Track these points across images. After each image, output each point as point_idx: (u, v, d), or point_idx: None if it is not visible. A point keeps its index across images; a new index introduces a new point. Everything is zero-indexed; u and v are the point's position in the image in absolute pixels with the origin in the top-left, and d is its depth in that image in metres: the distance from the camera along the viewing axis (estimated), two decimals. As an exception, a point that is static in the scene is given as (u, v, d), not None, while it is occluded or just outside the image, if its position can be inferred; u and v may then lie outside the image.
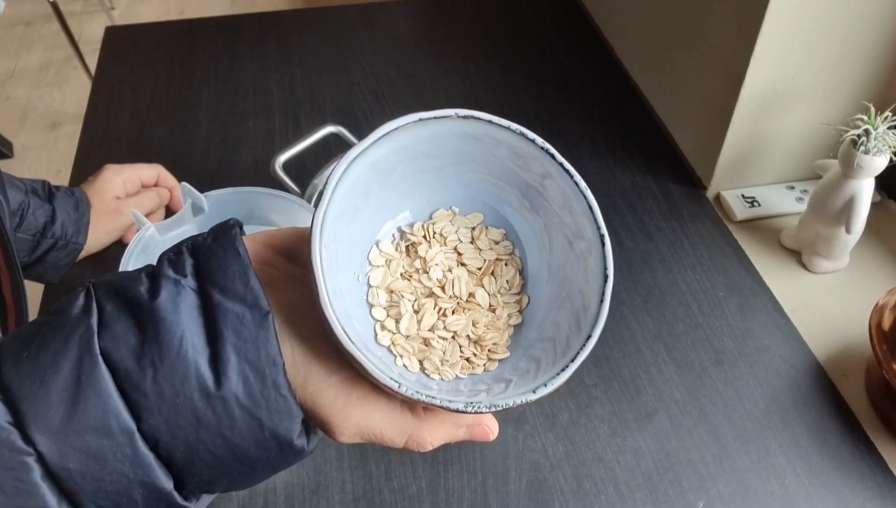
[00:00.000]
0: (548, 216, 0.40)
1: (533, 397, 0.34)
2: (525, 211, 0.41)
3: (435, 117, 0.39)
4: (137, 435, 0.30)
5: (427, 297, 0.39)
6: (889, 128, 0.71)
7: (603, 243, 0.37)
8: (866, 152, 0.71)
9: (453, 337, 0.38)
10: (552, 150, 0.39)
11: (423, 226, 0.41)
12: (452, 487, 0.63)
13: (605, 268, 0.37)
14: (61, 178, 2.12)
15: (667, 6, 0.94)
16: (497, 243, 0.41)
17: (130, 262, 0.54)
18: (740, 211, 0.86)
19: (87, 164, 0.93)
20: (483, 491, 0.62)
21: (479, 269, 0.40)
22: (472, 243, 0.41)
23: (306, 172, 0.71)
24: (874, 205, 0.84)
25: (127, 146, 0.95)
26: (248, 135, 0.96)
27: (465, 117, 0.39)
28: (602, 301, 0.36)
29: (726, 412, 0.68)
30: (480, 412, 0.33)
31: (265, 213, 0.59)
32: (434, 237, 0.40)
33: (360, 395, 0.34)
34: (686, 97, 0.92)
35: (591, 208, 0.38)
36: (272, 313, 0.32)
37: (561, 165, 0.39)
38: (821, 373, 0.71)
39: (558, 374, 0.34)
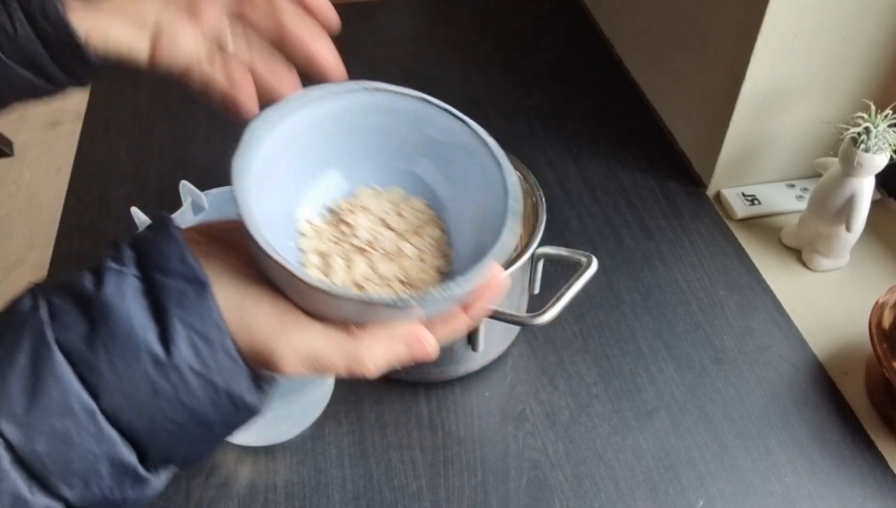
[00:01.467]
0: (462, 174, 0.42)
1: (457, 290, 0.34)
2: (440, 173, 0.43)
3: (346, 91, 0.41)
4: (99, 413, 0.32)
5: (357, 254, 0.40)
6: (889, 126, 0.71)
7: (501, 167, 0.39)
8: (866, 151, 0.71)
9: (387, 285, 0.40)
10: (452, 109, 0.41)
11: (348, 202, 0.42)
12: (452, 485, 0.63)
13: (505, 182, 0.39)
14: (61, 177, 2.12)
15: (667, 5, 0.94)
16: (420, 211, 0.43)
17: None
18: (740, 209, 0.86)
19: (88, 162, 0.93)
20: (483, 490, 0.62)
21: (406, 231, 0.42)
22: (397, 214, 0.42)
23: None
24: (874, 203, 0.83)
25: (127, 145, 0.95)
26: (249, 133, 0.96)
27: (368, 89, 0.41)
28: (506, 208, 0.38)
29: (726, 411, 0.68)
30: (410, 306, 0.34)
31: None
32: (360, 209, 0.42)
33: (295, 321, 0.36)
34: (686, 96, 0.92)
35: (487, 145, 0.40)
36: (210, 283, 0.34)
37: (458, 118, 0.41)
38: (821, 371, 0.71)
39: (479, 267, 0.35)
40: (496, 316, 0.62)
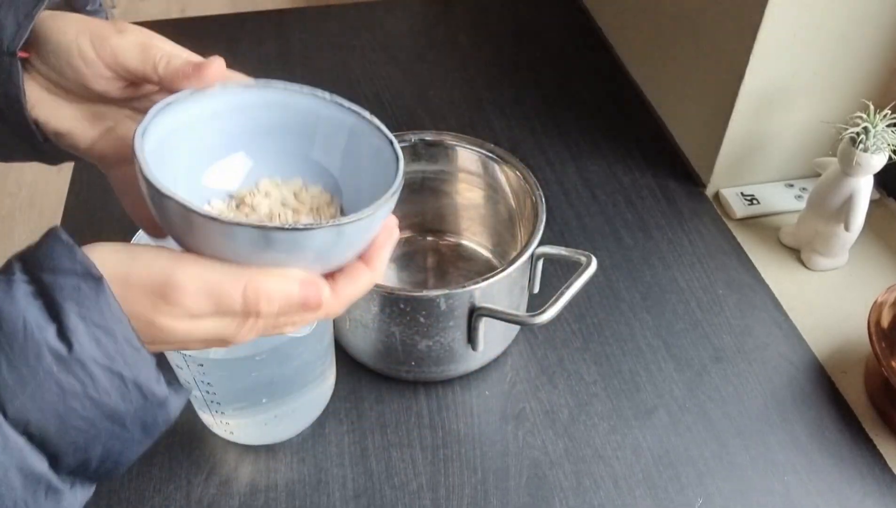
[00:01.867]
0: (356, 157, 0.46)
1: (345, 221, 0.36)
2: (335, 160, 0.46)
3: (242, 88, 0.44)
4: (5, 423, 0.32)
5: None
6: (888, 126, 0.71)
7: (391, 142, 0.44)
8: (865, 150, 0.71)
9: None
10: (340, 99, 0.45)
11: (249, 190, 0.44)
12: (453, 484, 0.63)
13: (396, 154, 0.44)
14: (62, 176, 2.12)
15: (667, 4, 0.94)
16: (318, 196, 0.45)
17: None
18: (740, 209, 0.86)
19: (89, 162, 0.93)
20: (483, 488, 0.63)
21: (305, 212, 0.44)
22: (297, 201, 0.44)
23: (307, 170, 0.71)
24: (873, 203, 0.84)
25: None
26: (249, 133, 0.97)
27: (262, 86, 0.44)
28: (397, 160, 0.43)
29: (725, 409, 0.68)
30: (302, 238, 0.35)
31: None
32: (262, 195, 0.44)
33: (191, 256, 0.36)
34: (686, 95, 0.92)
35: (374, 126, 0.44)
36: (104, 278, 0.34)
37: (346, 107, 0.45)
38: (820, 370, 0.72)
39: (370, 207, 0.38)
40: (496, 315, 0.62)
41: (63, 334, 0.33)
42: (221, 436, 0.65)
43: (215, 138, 0.43)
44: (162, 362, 0.36)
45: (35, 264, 0.34)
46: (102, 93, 0.43)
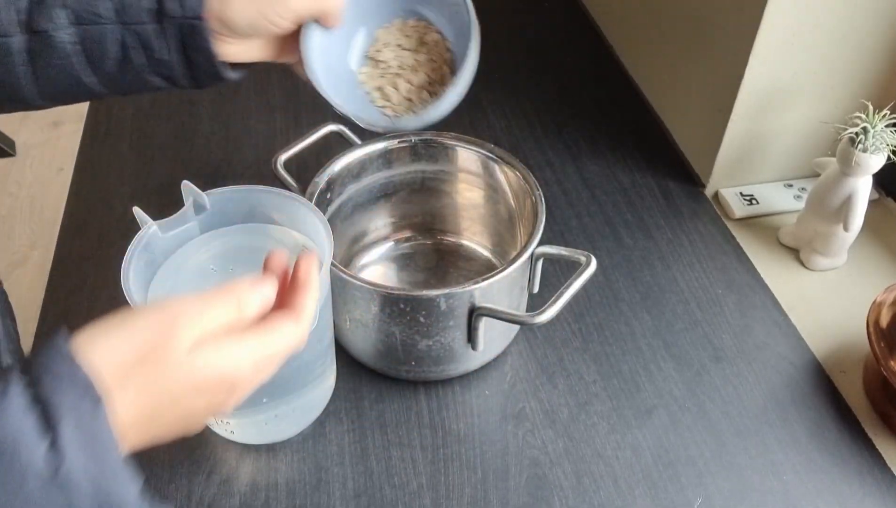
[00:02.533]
0: None
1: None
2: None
3: None
4: None
5: (397, 78, 0.64)
6: (887, 126, 0.71)
7: None
8: (864, 150, 0.72)
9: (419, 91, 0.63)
10: None
11: (374, 47, 0.65)
12: (453, 483, 0.63)
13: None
14: (63, 176, 2.13)
15: (666, 4, 0.94)
16: (417, 26, 0.66)
17: (133, 259, 0.54)
18: (739, 209, 0.86)
19: (90, 162, 0.93)
20: (483, 487, 0.63)
21: (416, 45, 0.65)
22: (405, 36, 0.65)
23: (308, 170, 0.71)
24: (872, 203, 0.84)
25: (129, 144, 0.95)
26: (250, 133, 0.97)
27: None
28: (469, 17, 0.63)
29: (725, 409, 0.68)
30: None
31: (267, 211, 0.60)
32: (383, 46, 0.65)
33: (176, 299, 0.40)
34: (685, 95, 0.93)
35: None
36: (104, 400, 0.34)
37: None
38: (819, 370, 0.72)
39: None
40: (496, 315, 0.62)
41: (56, 446, 0.32)
42: (222, 435, 0.65)
43: (348, 16, 0.61)
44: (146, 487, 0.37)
45: (36, 369, 0.34)
46: (280, 34, 0.59)
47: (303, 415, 0.65)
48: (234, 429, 0.63)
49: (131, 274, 0.52)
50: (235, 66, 0.59)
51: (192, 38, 0.54)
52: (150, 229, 0.56)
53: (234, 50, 0.57)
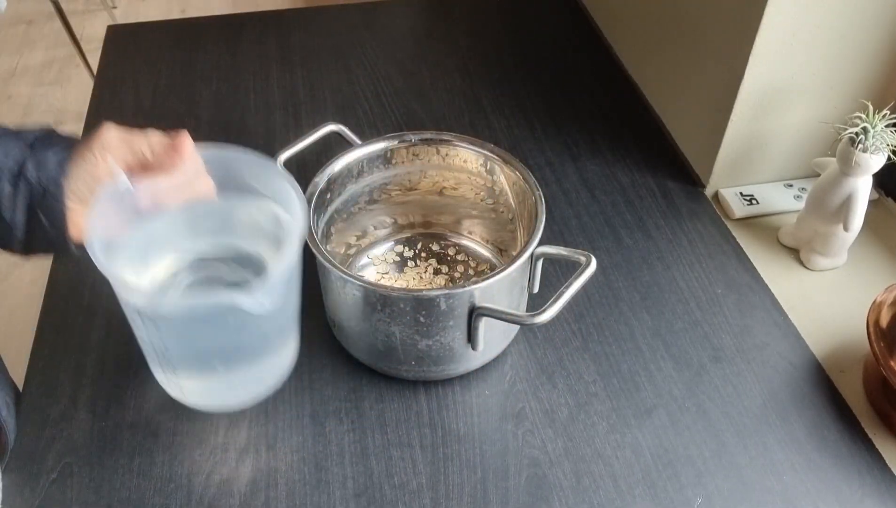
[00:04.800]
0: None
1: None
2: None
3: None
4: None
5: None
6: (887, 126, 0.71)
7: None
8: (864, 150, 0.72)
9: None
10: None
11: None
12: (452, 483, 0.63)
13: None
14: (63, 176, 2.12)
15: (666, 5, 0.94)
16: None
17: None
18: (739, 209, 0.86)
19: (90, 162, 0.93)
20: (483, 487, 0.63)
21: None
22: None
23: (307, 169, 0.71)
24: (872, 203, 0.84)
25: (129, 145, 0.95)
26: (250, 133, 0.97)
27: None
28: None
29: (724, 409, 0.68)
30: None
31: (245, 179, 0.60)
32: None
33: None
34: (685, 95, 0.93)
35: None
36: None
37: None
38: (818, 370, 0.72)
39: None
40: (496, 315, 0.62)
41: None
42: (171, 395, 0.64)
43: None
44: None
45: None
46: None
47: (256, 386, 0.64)
48: (185, 391, 0.62)
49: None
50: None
51: (44, 201, 0.53)
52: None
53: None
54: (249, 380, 0.63)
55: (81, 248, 0.53)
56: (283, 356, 0.65)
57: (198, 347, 0.59)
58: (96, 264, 0.50)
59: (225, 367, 0.60)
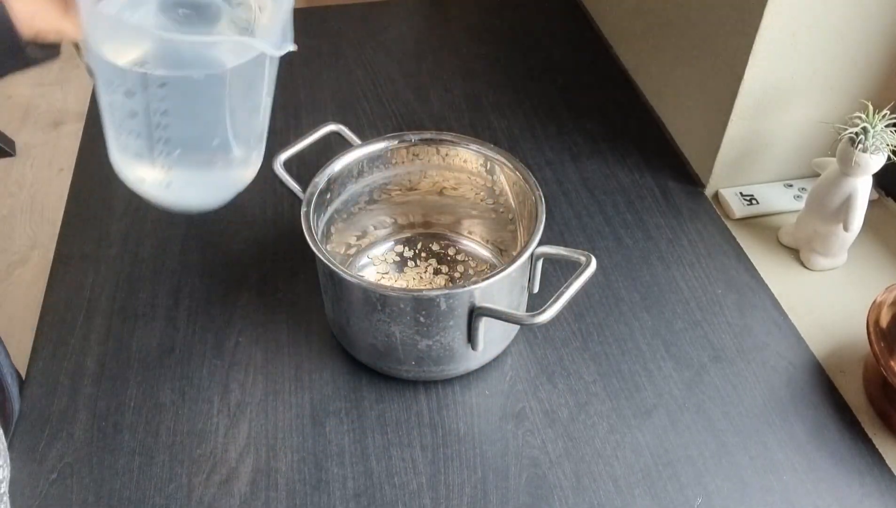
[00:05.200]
0: None
1: None
2: None
3: None
4: None
5: None
6: (887, 126, 0.71)
7: None
8: (864, 150, 0.72)
9: None
10: None
11: None
12: (453, 483, 0.63)
13: None
14: (64, 176, 2.13)
15: (666, 5, 0.94)
16: None
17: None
18: (739, 209, 0.86)
19: (90, 162, 0.93)
20: (483, 487, 0.63)
21: None
22: None
23: (307, 169, 0.71)
24: (872, 203, 0.84)
25: (129, 145, 0.95)
26: (250, 133, 0.97)
27: None
28: None
29: (724, 409, 0.68)
30: None
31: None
32: None
33: None
34: (685, 95, 0.93)
35: None
36: None
37: None
38: (818, 370, 0.72)
39: None
40: (496, 315, 0.62)
41: None
42: (151, 195, 0.60)
43: None
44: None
45: None
46: None
47: (202, 190, 0.61)
48: (173, 181, 0.58)
49: None
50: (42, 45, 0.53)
51: None
52: None
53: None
54: (196, 183, 0.60)
55: (36, 46, 0.52)
56: (236, 170, 0.61)
57: (203, 114, 0.56)
58: (91, 30, 0.50)
59: (224, 149, 0.58)
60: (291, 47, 0.51)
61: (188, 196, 0.61)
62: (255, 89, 0.56)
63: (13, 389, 0.66)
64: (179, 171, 0.58)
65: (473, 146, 0.74)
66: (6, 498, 0.60)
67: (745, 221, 0.87)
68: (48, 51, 0.53)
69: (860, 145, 0.72)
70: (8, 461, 0.61)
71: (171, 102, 0.53)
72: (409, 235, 0.81)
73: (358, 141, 0.74)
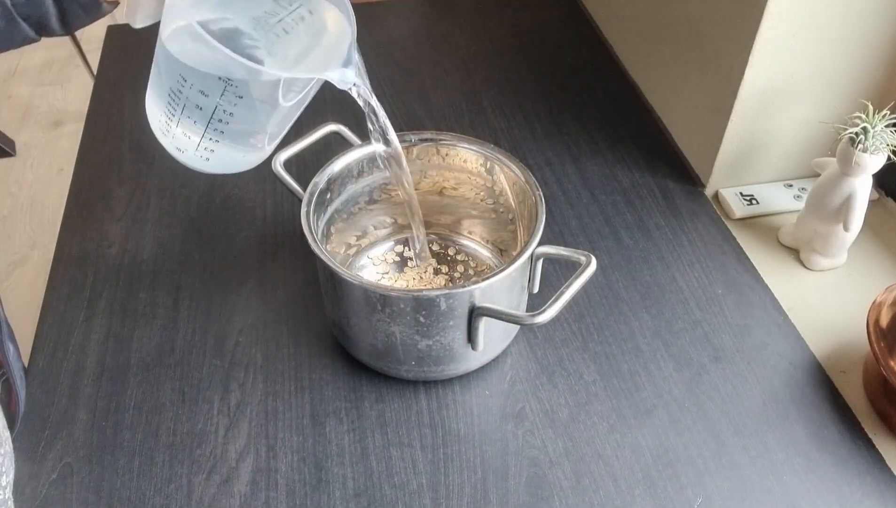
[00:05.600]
0: None
1: None
2: None
3: None
4: None
5: None
6: (887, 126, 0.71)
7: None
8: (864, 151, 0.72)
9: None
10: None
11: None
12: (453, 483, 0.63)
13: None
14: (64, 176, 2.13)
15: (666, 5, 0.94)
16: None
17: None
18: (739, 209, 0.86)
19: (90, 162, 0.93)
20: (483, 487, 0.63)
21: None
22: None
23: (307, 170, 0.71)
24: (872, 203, 0.84)
25: (129, 144, 0.95)
26: (250, 133, 0.97)
27: None
28: None
29: (724, 409, 0.68)
30: None
31: None
32: None
33: None
34: (685, 95, 0.93)
35: None
36: None
37: None
38: (819, 370, 0.72)
39: None
40: (496, 315, 0.62)
41: None
42: (178, 157, 0.63)
43: None
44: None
45: None
46: None
47: (222, 166, 0.65)
48: (213, 154, 0.62)
49: None
50: None
51: None
52: None
53: None
54: (216, 155, 0.63)
55: (112, 2, 0.56)
56: (245, 153, 0.66)
57: (257, 122, 0.61)
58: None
59: (260, 142, 0.62)
60: (356, 80, 0.58)
61: (209, 167, 0.65)
62: (304, 104, 0.61)
63: (21, 391, 0.66)
64: (218, 152, 0.62)
65: (473, 146, 0.74)
66: (10, 503, 0.60)
67: (745, 221, 0.87)
68: (112, 5, 0.58)
69: (860, 145, 0.72)
70: (13, 463, 0.61)
71: (241, 109, 0.57)
72: (409, 235, 0.81)
73: (358, 141, 0.74)
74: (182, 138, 0.62)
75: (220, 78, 0.55)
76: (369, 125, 0.66)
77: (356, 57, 0.59)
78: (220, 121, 0.59)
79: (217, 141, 0.61)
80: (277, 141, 0.66)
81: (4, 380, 0.65)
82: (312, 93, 0.62)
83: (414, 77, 1.07)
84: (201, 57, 0.55)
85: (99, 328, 0.74)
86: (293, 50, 0.62)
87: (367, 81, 0.62)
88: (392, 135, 0.67)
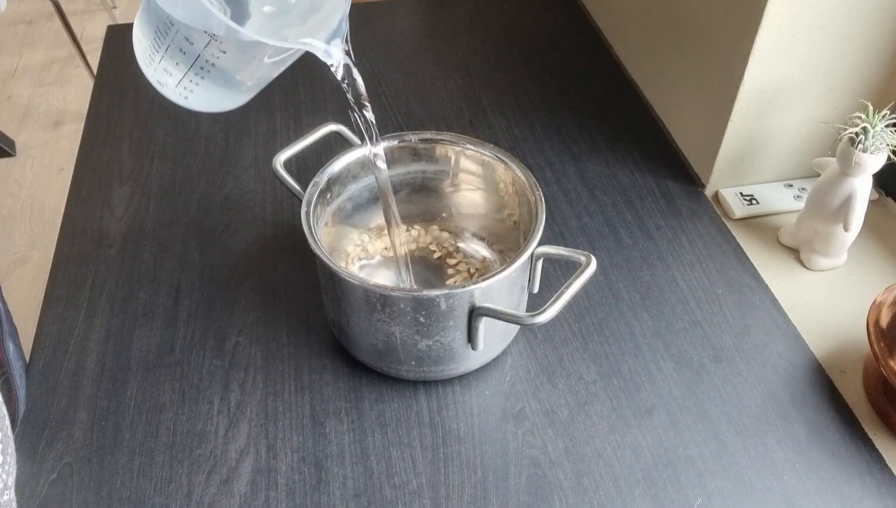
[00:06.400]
0: None
1: None
2: None
3: None
4: None
5: None
6: (887, 126, 0.71)
7: None
8: (864, 151, 0.72)
9: None
10: None
11: None
12: (452, 483, 0.63)
13: None
14: (64, 176, 2.13)
15: (666, 5, 0.94)
16: None
17: None
18: (739, 209, 0.86)
19: (90, 162, 0.93)
20: (483, 487, 0.63)
21: None
22: None
23: (307, 170, 0.71)
24: (872, 203, 0.84)
25: (129, 144, 0.95)
26: (250, 133, 0.97)
27: None
28: None
29: (724, 409, 0.68)
30: None
31: None
32: None
33: None
34: (685, 95, 0.93)
35: None
36: None
37: None
38: (818, 370, 0.72)
39: None
40: (496, 315, 0.62)
41: None
42: (161, 91, 0.63)
43: None
44: None
45: None
46: None
47: (207, 104, 0.65)
48: (192, 91, 0.62)
49: None
50: None
51: None
52: None
53: None
54: (201, 88, 0.63)
55: None
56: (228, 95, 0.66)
57: (238, 76, 0.61)
58: None
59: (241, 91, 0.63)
60: (345, 59, 0.58)
61: (187, 104, 0.65)
62: (292, 60, 0.62)
63: (21, 391, 0.66)
64: (197, 93, 0.62)
65: (473, 146, 0.74)
66: (14, 504, 0.60)
67: (745, 221, 0.87)
68: None
69: (860, 145, 0.72)
70: (15, 463, 0.61)
71: (223, 61, 0.57)
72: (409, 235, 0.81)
73: (358, 141, 0.74)
74: (163, 74, 0.62)
75: (205, 31, 0.55)
76: (349, 97, 0.66)
77: (345, 28, 0.58)
78: (202, 68, 0.59)
79: (197, 84, 0.60)
80: (260, 89, 0.66)
81: (5, 379, 0.65)
82: (298, 54, 0.63)
83: (414, 76, 1.07)
84: (185, 9, 0.55)
85: (99, 327, 0.74)
86: (286, 14, 0.63)
87: (351, 54, 0.62)
88: (367, 103, 0.66)
